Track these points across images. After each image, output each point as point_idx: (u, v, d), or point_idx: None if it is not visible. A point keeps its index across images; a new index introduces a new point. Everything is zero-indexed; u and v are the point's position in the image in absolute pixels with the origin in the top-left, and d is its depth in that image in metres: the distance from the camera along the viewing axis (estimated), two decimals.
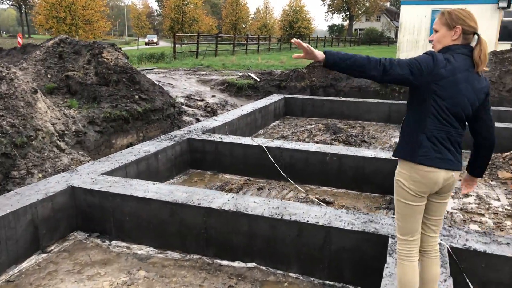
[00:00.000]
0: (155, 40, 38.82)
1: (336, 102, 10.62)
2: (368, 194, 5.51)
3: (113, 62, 8.52)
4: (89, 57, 8.69)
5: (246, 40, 30.55)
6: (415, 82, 2.24)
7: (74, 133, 6.35)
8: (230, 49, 28.71)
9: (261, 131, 9.10)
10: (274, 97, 10.73)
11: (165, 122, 8.61)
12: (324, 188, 5.68)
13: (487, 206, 5.14)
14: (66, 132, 6.21)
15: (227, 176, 6.11)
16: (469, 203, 5.24)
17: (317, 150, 5.75)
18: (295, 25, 54.84)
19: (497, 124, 7.67)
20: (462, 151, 2.44)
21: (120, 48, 9.46)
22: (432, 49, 2.40)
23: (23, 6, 62.44)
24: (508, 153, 6.68)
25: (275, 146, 5.95)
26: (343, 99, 10.79)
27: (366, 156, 5.53)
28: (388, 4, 71.25)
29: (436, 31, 2.38)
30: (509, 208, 5.09)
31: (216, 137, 6.37)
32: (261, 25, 51.35)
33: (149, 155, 5.42)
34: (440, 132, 2.29)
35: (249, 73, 13.92)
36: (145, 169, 5.36)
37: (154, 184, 4.34)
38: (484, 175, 6.36)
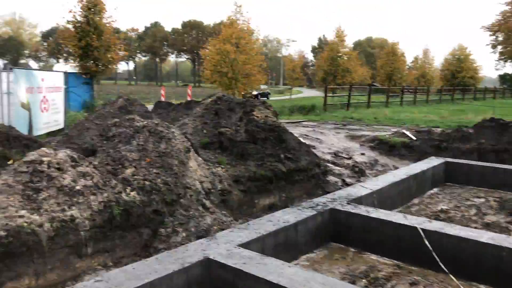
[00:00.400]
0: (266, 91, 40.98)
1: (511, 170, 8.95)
2: None
3: (262, 120, 8.65)
4: (241, 115, 9.00)
5: (402, 91, 29.09)
6: None
7: (220, 191, 6.43)
8: (383, 101, 27.64)
9: (416, 201, 8.07)
10: (433, 161, 9.57)
11: (309, 182, 8.29)
12: None
13: None
14: (212, 190, 6.33)
15: (373, 257, 5.38)
16: None
17: (489, 242, 4.66)
18: (458, 75, 50.65)
19: None
20: None
21: (271, 106, 9.64)
22: None
23: (196, 60, 71.35)
24: None
25: (433, 230, 5.04)
26: None
27: None
28: None
29: None
30: None
31: (362, 210, 5.75)
32: (419, 75, 48.72)
33: (288, 226, 5.09)
34: None
35: (404, 131, 12.90)
36: (283, 241, 5.02)
37: (289, 267, 3.94)
38: None
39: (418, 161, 9.83)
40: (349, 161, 10.86)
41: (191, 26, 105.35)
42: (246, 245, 4.48)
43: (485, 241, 4.69)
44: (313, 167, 8.56)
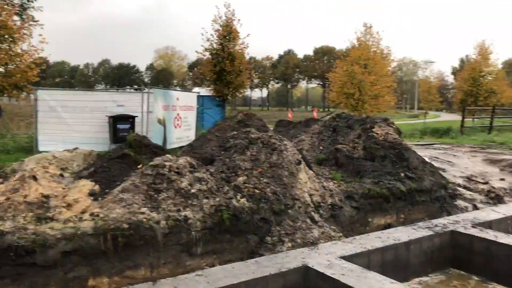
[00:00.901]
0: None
1: None
2: None
3: (382, 137, 8.30)
4: (359, 131, 8.76)
5: None
6: None
7: (330, 206, 6.31)
8: None
9: None
10: None
11: (433, 205, 7.61)
12: None
13: None
14: (321, 204, 6.24)
15: None
16: None
17: None
18: None
19: None
20: None
21: (393, 123, 9.20)
22: None
23: (326, 85, 71.90)
24: None
25: None
26: None
27: None
28: None
29: None
30: None
31: (489, 234, 5.07)
32: None
33: (399, 244, 4.74)
34: None
35: None
36: (392, 260, 4.69)
37: (392, 283, 3.66)
38: None
39: None
40: (484, 186, 9.68)
41: (323, 52, 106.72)
42: (348, 258, 4.31)
43: None
44: (438, 189, 7.87)
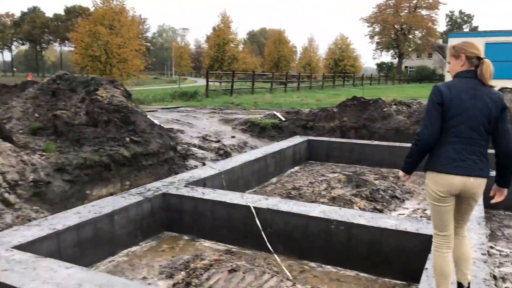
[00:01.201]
0: None
1: (367, 146, 9.12)
2: (387, 280, 3.98)
3: (107, 100, 7.63)
4: (83, 95, 7.87)
5: (286, 78, 29.61)
6: (443, 114, 2.75)
7: (32, 183, 5.33)
8: (268, 87, 27.87)
9: (274, 180, 7.76)
10: (295, 139, 9.42)
11: (161, 168, 7.49)
12: (328, 267, 4.21)
13: None
14: (20, 182, 5.21)
15: (206, 244, 4.79)
16: None
17: (320, 216, 4.32)
18: (340, 63, 53.67)
19: None
20: None
21: (121, 85, 8.63)
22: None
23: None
24: None
25: (266, 208, 4.59)
26: (376, 142, 9.27)
27: (385, 228, 4.03)
28: (441, 41, 68.58)
29: (449, 63, 2.90)
30: None
31: (198, 192, 5.12)
32: (305, 63, 50.55)
33: (99, 217, 4.25)
34: (457, 144, 2.73)
35: (275, 112, 12.73)
36: (92, 236, 4.17)
37: (67, 268, 3.11)
38: None
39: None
40: (217, 144, 10.30)
41: (76, 12, 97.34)
42: (26, 246, 3.55)
43: (316, 215, 4.34)
44: (166, 151, 7.78)
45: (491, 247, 4.79)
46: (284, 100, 19.58)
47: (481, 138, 2.71)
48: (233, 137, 11.35)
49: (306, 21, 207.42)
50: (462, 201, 2.82)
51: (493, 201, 2.90)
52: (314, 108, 15.07)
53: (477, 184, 2.72)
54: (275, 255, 4.32)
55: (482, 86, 2.73)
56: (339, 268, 4.18)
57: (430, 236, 3.54)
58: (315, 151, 9.50)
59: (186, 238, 4.95)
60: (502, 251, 4.68)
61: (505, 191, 2.86)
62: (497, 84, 12.98)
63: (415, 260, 3.77)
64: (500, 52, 17.71)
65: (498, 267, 4.27)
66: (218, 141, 10.67)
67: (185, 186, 5.38)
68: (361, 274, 4.08)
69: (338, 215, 4.33)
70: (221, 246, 4.70)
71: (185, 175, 6.01)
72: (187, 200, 4.99)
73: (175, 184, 5.43)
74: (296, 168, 8.78)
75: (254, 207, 4.60)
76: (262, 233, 4.43)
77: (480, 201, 5.04)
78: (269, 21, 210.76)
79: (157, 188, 5.26)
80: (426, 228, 3.97)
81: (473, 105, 2.69)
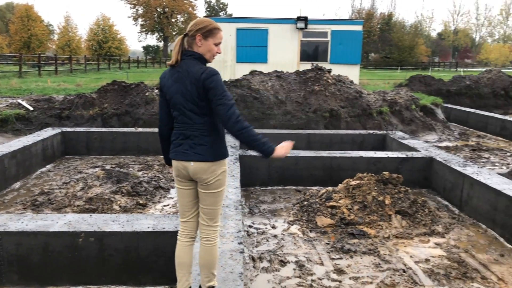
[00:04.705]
0: None
1: (131, 134, 8.54)
2: None
3: None
4: None
5: (39, 60, 25.81)
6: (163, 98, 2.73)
7: None
8: (17, 71, 23.89)
9: (17, 185, 6.39)
10: (46, 132, 8.05)
11: None
12: None
13: (310, 279, 3.74)
14: None
15: None
16: (288, 277, 3.78)
17: (63, 230, 3.56)
18: (105, 45, 50.70)
19: (307, 153, 6.72)
20: None
21: None
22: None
23: None
24: (323, 190, 5.61)
25: None
26: (140, 130, 8.78)
27: (141, 231, 3.59)
28: None
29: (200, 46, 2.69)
30: (335, 277, 3.79)
31: None
32: (63, 44, 45.56)
33: None
34: (176, 129, 2.69)
35: (19, 101, 10.73)
36: None
37: None
38: (300, 222, 5.15)
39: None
40: None
41: None
42: None
43: (58, 230, 3.56)
44: None
45: (250, 226, 4.97)
46: (36, 85, 16.99)
47: (195, 123, 2.59)
48: None
49: None
50: (200, 186, 2.68)
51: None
52: (72, 94, 13.51)
53: (201, 168, 2.60)
54: None
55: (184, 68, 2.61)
56: (92, 287, 3.55)
57: None
58: (73, 144, 8.37)
59: None
60: (259, 229, 4.90)
61: (278, 154, 2.60)
62: (252, 67, 14.15)
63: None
64: (249, 37, 19.50)
65: (256, 246, 4.41)
66: None
67: None
68: (118, 287, 3.56)
69: (87, 225, 3.66)
70: None
71: None
72: None
73: None
74: (49, 166, 7.52)
75: None
76: None
77: (237, 183, 5.16)
78: None
79: None
80: None
81: (176, 89, 2.59)
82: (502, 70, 19.65)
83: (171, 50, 68.30)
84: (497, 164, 8.36)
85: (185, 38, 2.64)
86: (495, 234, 4.83)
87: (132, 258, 3.57)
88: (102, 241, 3.55)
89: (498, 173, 6.04)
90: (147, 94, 10.46)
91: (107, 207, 5.20)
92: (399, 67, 49.66)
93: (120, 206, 5.26)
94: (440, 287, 3.65)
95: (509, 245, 4.56)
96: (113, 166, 7.45)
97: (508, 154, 9.30)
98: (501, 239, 4.70)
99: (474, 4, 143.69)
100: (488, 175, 5.41)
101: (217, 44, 2.65)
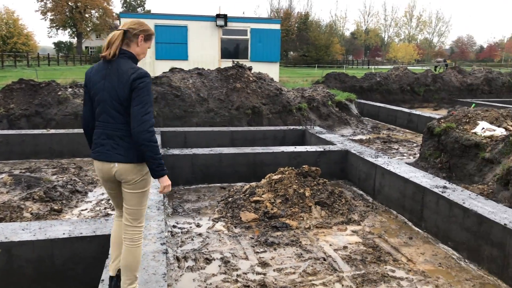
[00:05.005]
0: None
1: (42, 136, 7.98)
2: None
3: None
4: None
5: None
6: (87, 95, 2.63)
7: None
8: None
9: None
10: None
11: None
12: None
13: (235, 274, 3.78)
14: None
15: None
16: (213, 274, 3.78)
17: None
18: (9, 41, 46.70)
19: (231, 150, 6.77)
20: None
21: None
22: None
23: None
24: (247, 186, 5.69)
25: None
26: (52, 131, 8.23)
27: (56, 238, 3.38)
28: (118, 22, 69.58)
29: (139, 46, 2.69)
30: (260, 270, 3.86)
31: None
32: None
33: None
34: (98, 128, 2.58)
35: None
36: None
37: None
38: (225, 219, 5.19)
39: None
40: None
41: None
42: None
43: None
44: None
45: (174, 226, 4.89)
46: None
47: (118, 122, 2.50)
48: None
49: None
50: (124, 186, 2.60)
51: (159, 190, 2.62)
52: None
53: (124, 170, 2.53)
54: None
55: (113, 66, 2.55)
56: None
57: (108, 236, 3.17)
58: None
59: None
60: (183, 228, 4.84)
61: (163, 180, 2.54)
62: (172, 64, 13.80)
63: (95, 266, 3.32)
64: (168, 34, 19.11)
65: (180, 246, 4.35)
66: None
67: None
68: None
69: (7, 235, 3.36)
70: None
71: None
72: None
73: None
74: None
75: None
76: None
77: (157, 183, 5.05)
78: None
79: None
80: (104, 227, 3.56)
81: (102, 87, 2.51)
82: (408, 68, 21.33)
83: (85, 47, 64.83)
84: (405, 154, 9.06)
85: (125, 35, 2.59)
86: (404, 219, 5.24)
87: (45, 268, 3.35)
88: (11, 251, 3.28)
89: (406, 163, 6.56)
90: (59, 93, 9.83)
91: (16, 215, 4.81)
92: (316, 65, 51.73)
93: (31, 214, 4.90)
94: (357, 271, 3.88)
95: (416, 228, 4.98)
96: (23, 171, 6.90)
97: (415, 145, 10.12)
98: (410, 223, 5.12)
99: (382, 6, 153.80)
100: (397, 165, 5.85)
101: (149, 48, 2.72)
